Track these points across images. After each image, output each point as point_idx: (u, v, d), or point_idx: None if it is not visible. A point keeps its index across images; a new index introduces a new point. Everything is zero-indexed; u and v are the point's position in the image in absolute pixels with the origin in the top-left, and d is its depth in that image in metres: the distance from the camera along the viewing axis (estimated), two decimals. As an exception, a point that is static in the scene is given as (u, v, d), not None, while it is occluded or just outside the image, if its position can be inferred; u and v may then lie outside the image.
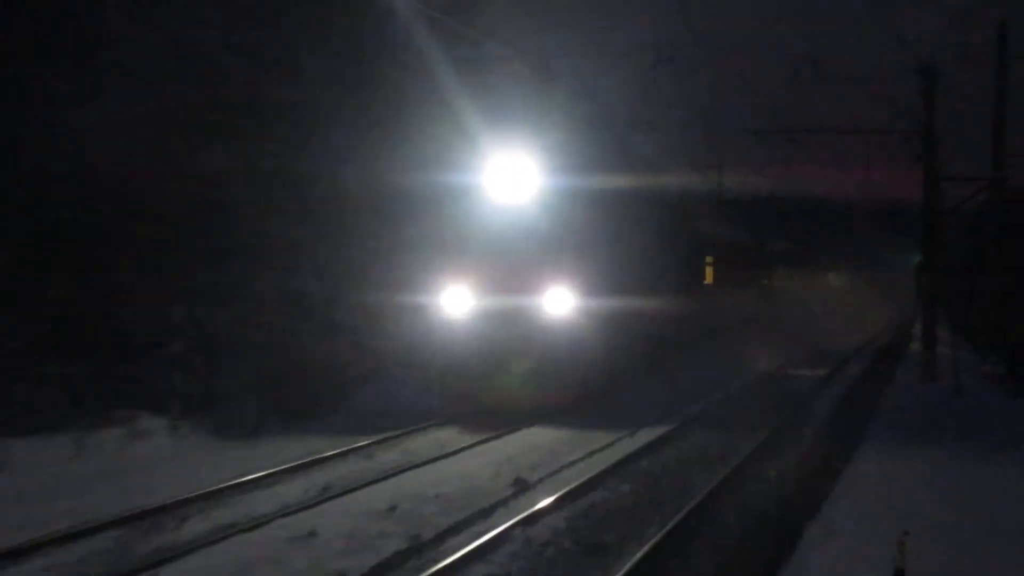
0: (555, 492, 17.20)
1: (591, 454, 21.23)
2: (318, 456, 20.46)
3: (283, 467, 19.34)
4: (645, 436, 23.12)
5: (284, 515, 16.02)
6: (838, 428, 25.41)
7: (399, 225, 30.77)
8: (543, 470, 19.45)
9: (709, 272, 43.91)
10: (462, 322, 26.00)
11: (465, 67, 32.86)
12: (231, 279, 25.96)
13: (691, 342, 38.55)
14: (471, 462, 20.42)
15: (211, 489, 17.42)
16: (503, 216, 25.80)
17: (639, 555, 13.64)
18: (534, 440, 23.11)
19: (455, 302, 26.05)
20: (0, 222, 21.52)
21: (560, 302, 25.44)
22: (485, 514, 16.13)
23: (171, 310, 24.15)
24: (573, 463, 20.27)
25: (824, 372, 40.98)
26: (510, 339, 25.46)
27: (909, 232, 56.76)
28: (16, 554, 13.70)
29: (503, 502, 16.88)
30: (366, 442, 22.00)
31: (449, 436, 23.60)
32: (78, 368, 21.77)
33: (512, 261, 25.67)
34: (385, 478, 18.83)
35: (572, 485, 17.71)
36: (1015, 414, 25.68)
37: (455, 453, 21.41)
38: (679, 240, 38.17)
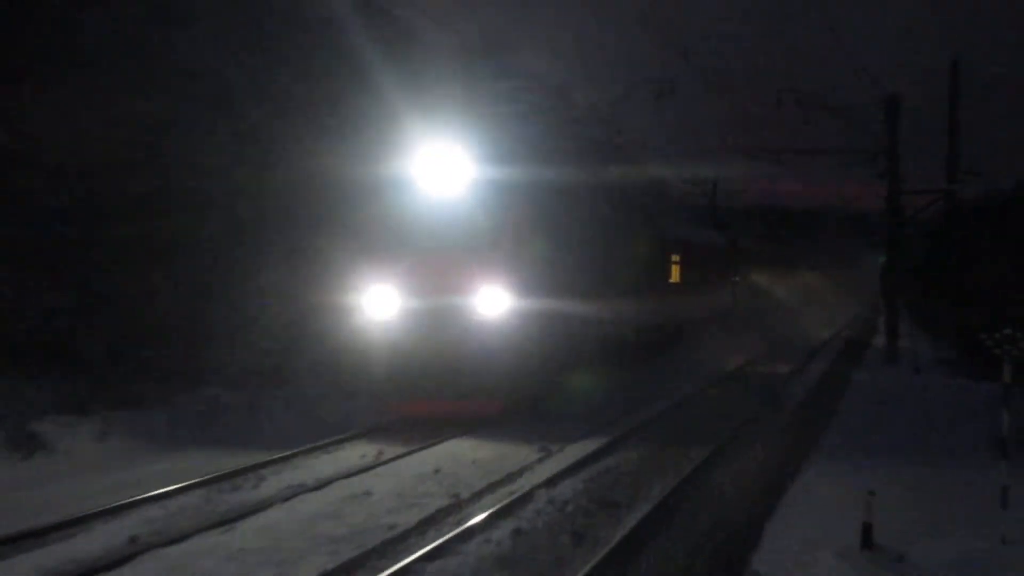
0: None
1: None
2: (372, 426, 20.57)
3: (344, 435, 19.49)
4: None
5: (345, 476, 16.07)
6: (814, 403, 25.41)
7: (323, 221, 25.64)
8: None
9: (675, 270, 36.80)
10: (389, 323, 20.59)
11: (496, 98, 31.24)
12: (298, 277, 25.31)
13: (650, 342, 32.54)
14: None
15: (284, 454, 17.57)
16: (435, 210, 20.90)
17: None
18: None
19: (382, 301, 20.72)
20: (116, 233, 21.71)
21: (496, 302, 20.30)
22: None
23: (247, 303, 24.17)
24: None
25: (797, 360, 37.95)
26: (439, 342, 20.26)
27: (875, 236, 56.58)
28: (116, 511, 13.87)
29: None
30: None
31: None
32: (171, 352, 21.93)
33: (445, 258, 20.57)
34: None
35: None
36: (960, 387, 26.09)
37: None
38: (639, 238, 32.03)
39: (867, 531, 11.05)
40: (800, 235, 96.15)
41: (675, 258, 36.66)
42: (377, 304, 20.79)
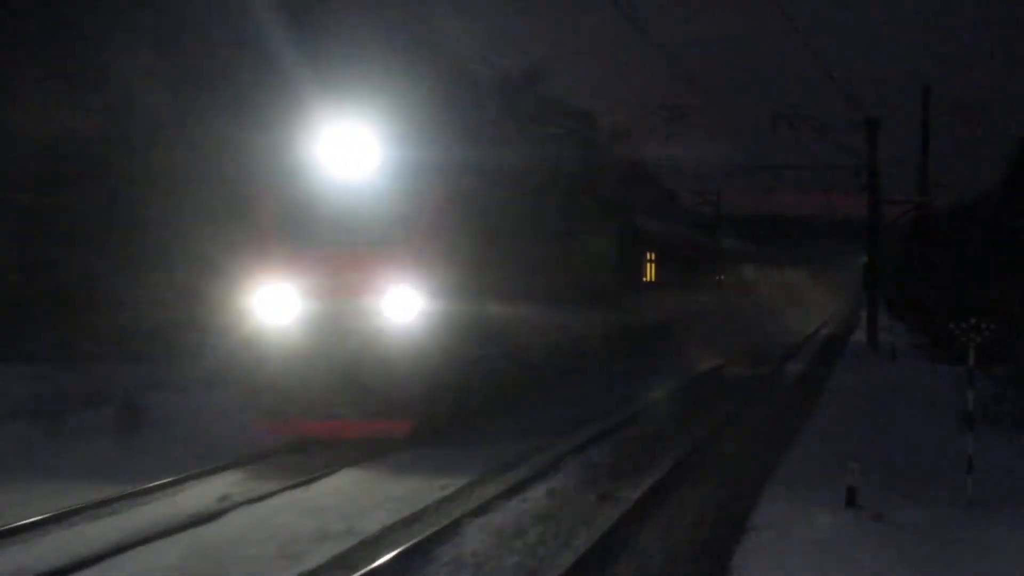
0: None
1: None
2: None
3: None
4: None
5: (403, 450, 15.72)
6: (800, 391, 25.38)
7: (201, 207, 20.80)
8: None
9: (651, 269, 30.96)
10: (284, 329, 15.21)
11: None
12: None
13: (618, 346, 26.03)
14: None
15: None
16: (339, 197, 15.64)
17: None
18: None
19: (277, 303, 15.33)
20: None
21: (409, 305, 15.00)
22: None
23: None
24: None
25: (778, 356, 34.33)
26: (340, 351, 14.94)
27: (857, 240, 56.32)
28: (219, 469, 14.19)
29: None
30: None
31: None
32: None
33: (350, 253, 15.47)
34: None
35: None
36: (931, 371, 26.32)
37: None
38: (605, 233, 25.68)
39: (851, 493, 11.13)
40: (793, 238, 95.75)
41: (651, 256, 31.00)
42: (271, 306, 15.44)
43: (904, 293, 48.67)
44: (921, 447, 15.16)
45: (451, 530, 10.84)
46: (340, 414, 15.03)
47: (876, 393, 21.90)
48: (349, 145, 15.68)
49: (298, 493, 12.86)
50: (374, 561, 9.61)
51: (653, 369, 27.18)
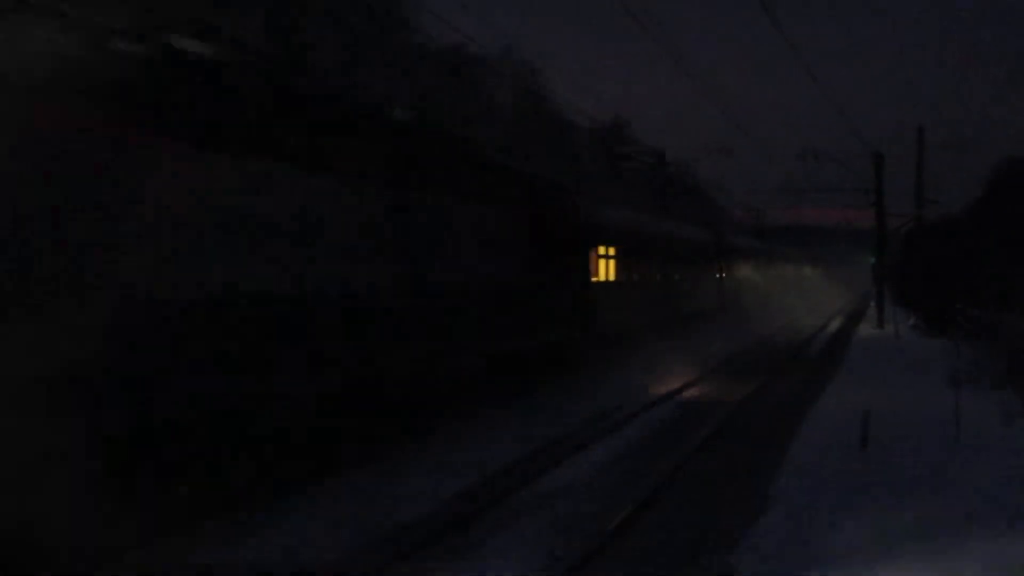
0: None
1: None
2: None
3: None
4: None
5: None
6: (822, 366, 25.13)
7: None
8: None
9: (608, 266, 20.65)
10: None
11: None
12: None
13: (530, 370, 15.64)
14: None
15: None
16: None
17: None
18: None
19: None
20: None
21: None
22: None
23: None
24: None
25: (776, 362, 23.16)
26: None
27: (867, 244, 55.46)
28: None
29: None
30: None
31: None
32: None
33: None
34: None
35: None
36: (926, 346, 25.70)
37: None
38: (504, 216, 14.35)
39: (864, 437, 11.15)
40: (817, 243, 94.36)
41: (608, 251, 20.69)
42: None
43: (904, 286, 47.82)
44: (919, 399, 15.03)
45: None
46: None
47: (884, 358, 21.77)
48: None
49: None
50: None
51: (587, 395, 16.04)
